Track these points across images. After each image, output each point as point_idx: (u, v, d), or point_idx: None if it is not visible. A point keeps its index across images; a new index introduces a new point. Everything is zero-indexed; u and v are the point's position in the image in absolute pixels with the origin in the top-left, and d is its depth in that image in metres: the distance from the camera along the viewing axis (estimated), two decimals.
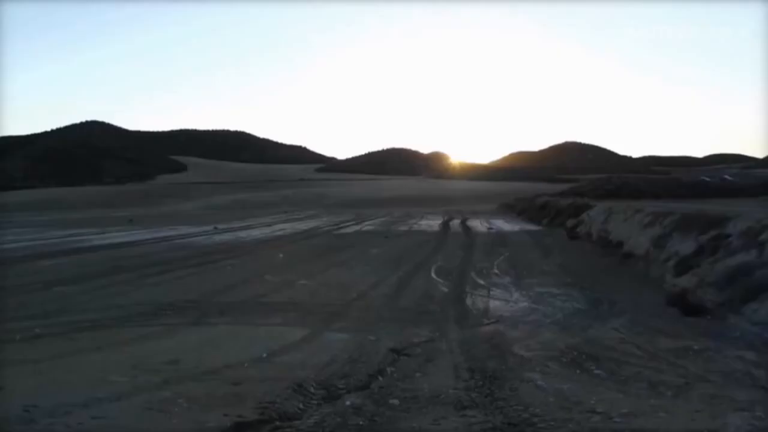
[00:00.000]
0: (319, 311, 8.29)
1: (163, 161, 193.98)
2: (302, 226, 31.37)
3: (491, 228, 27.47)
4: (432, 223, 30.65)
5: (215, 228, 29.03)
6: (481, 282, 11.00)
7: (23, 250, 18.50)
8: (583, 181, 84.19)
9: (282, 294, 9.97)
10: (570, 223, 23.75)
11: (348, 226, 29.78)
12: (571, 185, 74.36)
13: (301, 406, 4.37)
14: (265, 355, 5.98)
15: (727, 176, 78.97)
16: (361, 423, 3.93)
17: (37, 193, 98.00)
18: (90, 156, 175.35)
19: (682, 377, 5.19)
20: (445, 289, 10.24)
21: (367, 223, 32.99)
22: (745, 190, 55.64)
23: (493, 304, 9.00)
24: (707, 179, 68.74)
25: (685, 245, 11.69)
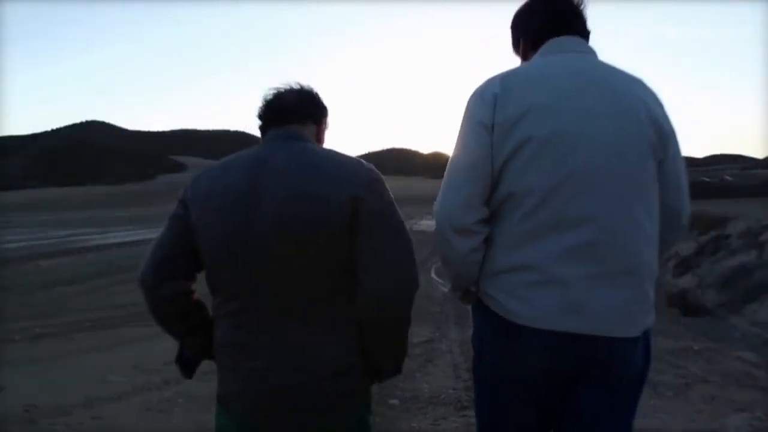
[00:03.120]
0: None
1: (163, 161, 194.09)
2: None
3: None
4: (432, 223, 30.42)
5: None
6: None
7: (23, 250, 18.49)
8: None
9: None
10: None
11: None
12: None
13: None
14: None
15: (726, 176, 78.93)
16: None
17: (37, 193, 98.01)
18: (90, 156, 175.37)
19: (682, 377, 5.19)
20: (445, 290, 10.24)
21: None
22: (744, 190, 55.63)
23: None
24: (707, 179, 68.69)
25: (685, 246, 11.69)
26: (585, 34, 1.44)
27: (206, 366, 5.00)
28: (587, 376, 1.29)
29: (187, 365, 1.48)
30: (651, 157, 1.30)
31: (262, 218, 1.21)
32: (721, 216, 11.88)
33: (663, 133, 1.32)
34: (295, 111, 1.35)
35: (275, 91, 1.38)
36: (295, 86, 1.40)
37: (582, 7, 1.46)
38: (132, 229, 29.97)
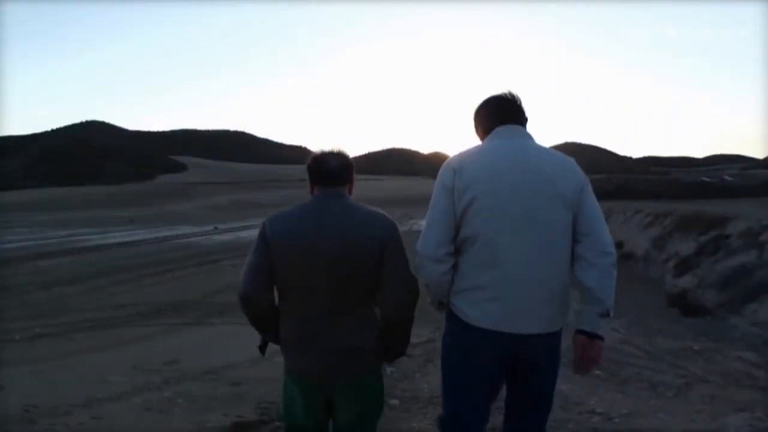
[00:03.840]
0: None
1: (163, 161, 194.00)
2: None
3: None
4: None
5: (215, 228, 29.03)
6: None
7: (23, 250, 18.50)
8: None
9: None
10: None
11: None
12: None
13: None
14: (264, 355, 5.98)
15: (726, 177, 78.92)
16: None
17: (37, 193, 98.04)
18: (90, 156, 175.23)
19: (682, 377, 5.19)
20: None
21: None
22: (744, 190, 55.58)
23: None
24: (707, 180, 68.68)
25: (685, 246, 11.69)
26: (524, 121, 2.07)
27: (205, 367, 5.02)
28: (523, 362, 1.95)
29: (264, 349, 2.16)
30: (565, 211, 1.89)
31: (321, 254, 1.87)
32: (721, 216, 11.88)
33: (576, 189, 1.91)
34: (338, 177, 1.99)
35: (322, 155, 2.01)
36: (336, 151, 2.03)
37: (519, 103, 2.07)
38: (132, 229, 29.98)
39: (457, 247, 1.94)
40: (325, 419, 2.04)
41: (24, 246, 20.27)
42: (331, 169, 1.98)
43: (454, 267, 1.96)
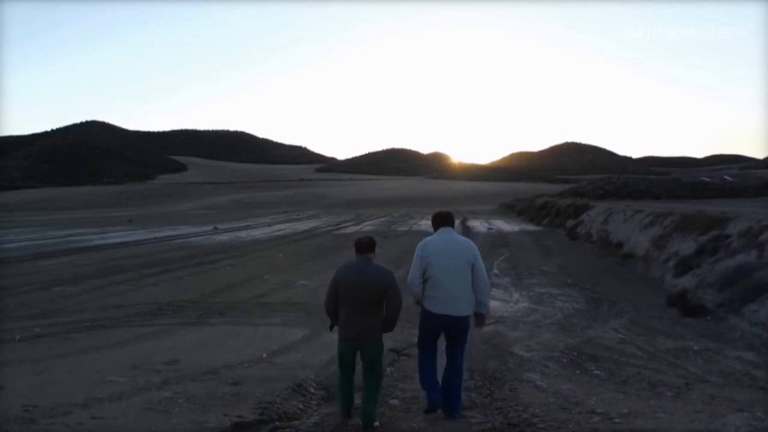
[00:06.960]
0: (319, 311, 8.28)
1: (163, 161, 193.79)
2: (302, 226, 31.37)
3: (491, 228, 27.46)
4: (428, 223, 30.51)
5: (215, 228, 29.01)
6: None
7: (23, 250, 18.49)
8: (582, 181, 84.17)
9: (282, 294, 9.97)
10: (570, 223, 23.74)
11: (348, 226, 29.78)
12: (570, 186, 74.37)
13: (300, 406, 4.37)
14: (264, 355, 5.97)
15: (726, 177, 78.85)
16: (360, 423, 3.93)
17: (37, 193, 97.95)
18: (90, 156, 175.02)
19: (682, 377, 5.19)
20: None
21: (366, 223, 32.99)
22: (744, 190, 55.50)
23: (493, 304, 8.99)
24: (707, 180, 68.64)
25: (685, 245, 11.69)
26: (452, 224, 4.47)
27: (205, 367, 5.01)
28: (451, 327, 4.25)
29: (332, 327, 4.20)
30: (468, 267, 4.23)
31: (359, 287, 4.00)
32: (721, 216, 11.87)
33: (473, 256, 4.26)
34: (368, 248, 4.15)
35: (361, 238, 4.23)
36: (367, 235, 4.34)
37: (451, 215, 4.55)
38: (132, 229, 29.97)
39: (425, 279, 4.18)
40: (355, 356, 4.03)
41: (24, 246, 20.26)
42: (363, 245, 4.13)
43: (424, 287, 4.20)
